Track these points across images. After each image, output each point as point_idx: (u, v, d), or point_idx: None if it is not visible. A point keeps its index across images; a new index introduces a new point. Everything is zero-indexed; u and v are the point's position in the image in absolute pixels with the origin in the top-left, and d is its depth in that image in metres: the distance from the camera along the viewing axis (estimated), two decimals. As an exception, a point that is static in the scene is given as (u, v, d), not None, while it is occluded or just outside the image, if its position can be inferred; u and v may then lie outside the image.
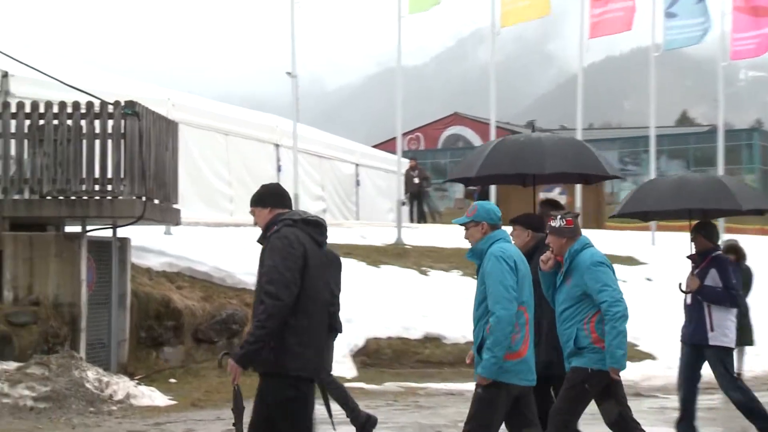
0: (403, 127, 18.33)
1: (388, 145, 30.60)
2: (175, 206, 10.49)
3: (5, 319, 8.80)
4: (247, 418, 4.46)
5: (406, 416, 8.43)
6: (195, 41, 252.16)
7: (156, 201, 9.73)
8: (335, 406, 6.84)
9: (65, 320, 9.07)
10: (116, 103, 9.22)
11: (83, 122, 9.22)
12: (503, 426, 4.85)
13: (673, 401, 7.19)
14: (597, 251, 5.32)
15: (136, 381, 9.01)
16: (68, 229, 9.84)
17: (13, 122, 9.31)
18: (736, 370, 10.07)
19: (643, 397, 9.55)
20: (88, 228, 9.67)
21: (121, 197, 9.11)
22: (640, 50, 64.17)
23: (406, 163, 20.34)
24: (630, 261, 14.92)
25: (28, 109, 9.29)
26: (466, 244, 4.98)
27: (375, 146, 29.38)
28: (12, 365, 8.40)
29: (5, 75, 10.85)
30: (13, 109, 9.33)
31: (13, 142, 9.31)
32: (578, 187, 16.42)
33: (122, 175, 9.13)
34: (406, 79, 18.44)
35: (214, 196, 14.86)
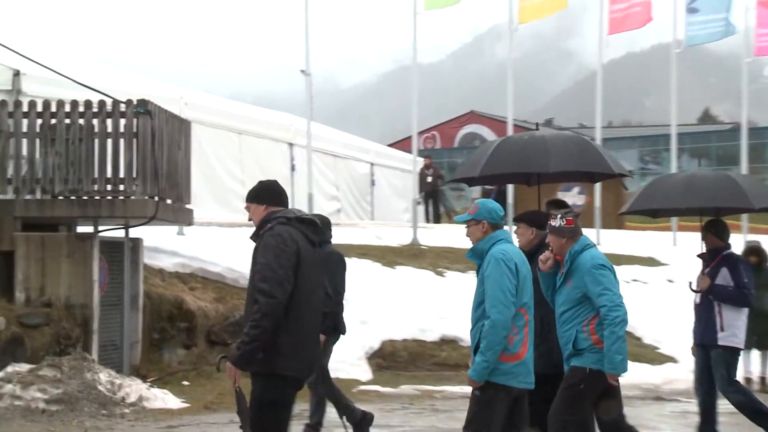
0: (419, 126, 18.18)
1: (403, 144, 30.44)
2: (187, 206, 10.42)
3: (17, 321, 8.76)
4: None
5: (422, 420, 8.33)
6: (208, 39, 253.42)
7: (168, 201, 9.67)
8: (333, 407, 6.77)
9: (77, 322, 9.02)
10: (128, 102, 9.16)
11: (95, 121, 9.18)
12: None
13: (696, 405, 7.04)
14: (598, 253, 5.25)
15: (149, 383, 8.96)
16: (80, 229, 9.79)
17: (24, 121, 9.26)
18: (759, 374, 9.88)
19: (665, 401, 9.41)
20: (100, 228, 9.61)
21: (133, 197, 9.06)
22: (661, 46, 63.61)
23: (421, 163, 20.19)
24: (651, 262, 14.69)
25: (39, 108, 9.24)
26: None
27: (390, 145, 29.26)
28: (24, 367, 8.38)
29: (17, 73, 10.83)
30: (25, 108, 9.29)
31: (24, 141, 9.26)
32: (597, 186, 16.18)
33: (134, 175, 9.08)
34: (421, 76, 18.27)
35: (227, 195, 14.76)
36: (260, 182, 4.70)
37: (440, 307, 11.80)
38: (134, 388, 8.49)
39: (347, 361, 10.19)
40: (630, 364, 10.46)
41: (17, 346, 8.59)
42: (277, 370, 4.31)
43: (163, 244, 11.31)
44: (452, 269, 13.40)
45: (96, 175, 9.13)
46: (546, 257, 5.28)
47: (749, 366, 9.63)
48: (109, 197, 9.11)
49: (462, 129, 46.57)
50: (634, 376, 10.31)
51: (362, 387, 9.85)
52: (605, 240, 15.68)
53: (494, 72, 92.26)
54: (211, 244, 11.94)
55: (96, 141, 9.16)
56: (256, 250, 4.43)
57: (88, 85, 9.60)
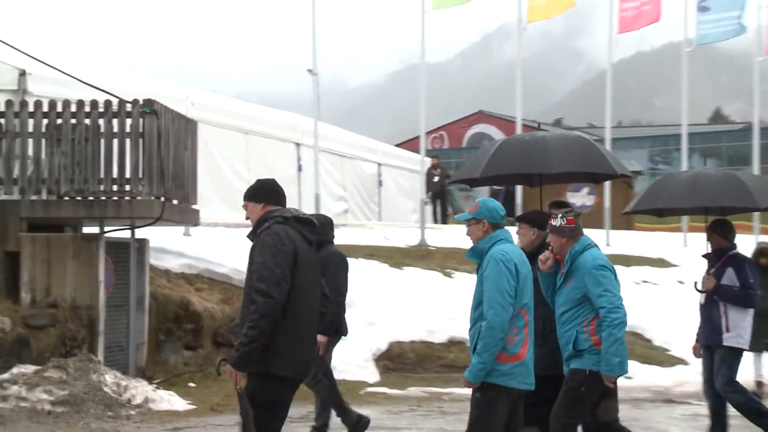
0: (427, 126, 18.10)
1: (411, 144, 30.34)
2: (194, 207, 10.38)
3: (23, 322, 8.74)
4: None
5: (430, 422, 8.26)
6: (214, 39, 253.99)
7: (175, 201, 9.63)
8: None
9: (83, 323, 8.98)
10: (135, 102, 9.12)
11: (101, 121, 9.15)
12: None
13: (706, 408, 6.98)
14: (599, 253, 5.19)
15: (155, 385, 8.92)
16: (86, 229, 9.76)
17: (30, 121, 9.24)
18: (756, 377, 9.75)
19: (676, 404, 9.31)
20: (106, 229, 9.58)
21: (139, 197, 9.02)
22: (672, 45, 63.44)
23: (429, 163, 20.11)
24: (661, 263, 14.56)
25: (45, 108, 9.21)
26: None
27: (398, 145, 29.19)
28: (29, 368, 8.34)
29: (23, 73, 10.82)
30: (31, 108, 9.27)
31: (30, 141, 9.24)
32: (607, 186, 16.08)
33: (141, 175, 9.04)
34: (429, 76, 18.20)
35: (233, 196, 14.69)
36: (258, 180, 4.68)
37: (448, 308, 11.72)
38: (140, 390, 8.45)
39: (354, 362, 10.14)
40: (640, 366, 10.34)
41: (23, 348, 8.56)
42: (273, 370, 4.26)
43: (169, 245, 11.27)
44: (460, 270, 13.31)
45: (102, 175, 9.09)
46: (546, 257, 5.23)
47: (760, 369, 9.53)
48: (115, 198, 9.08)
49: (470, 129, 46.40)
50: (644, 378, 10.24)
51: (369, 389, 9.79)
52: (615, 241, 15.57)
53: (503, 71, 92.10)
54: (218, 244, 11.89)
55: (102, 141, 9.12)
56: (253, 249, 4.40)
57: (94, 85, 9.58)
